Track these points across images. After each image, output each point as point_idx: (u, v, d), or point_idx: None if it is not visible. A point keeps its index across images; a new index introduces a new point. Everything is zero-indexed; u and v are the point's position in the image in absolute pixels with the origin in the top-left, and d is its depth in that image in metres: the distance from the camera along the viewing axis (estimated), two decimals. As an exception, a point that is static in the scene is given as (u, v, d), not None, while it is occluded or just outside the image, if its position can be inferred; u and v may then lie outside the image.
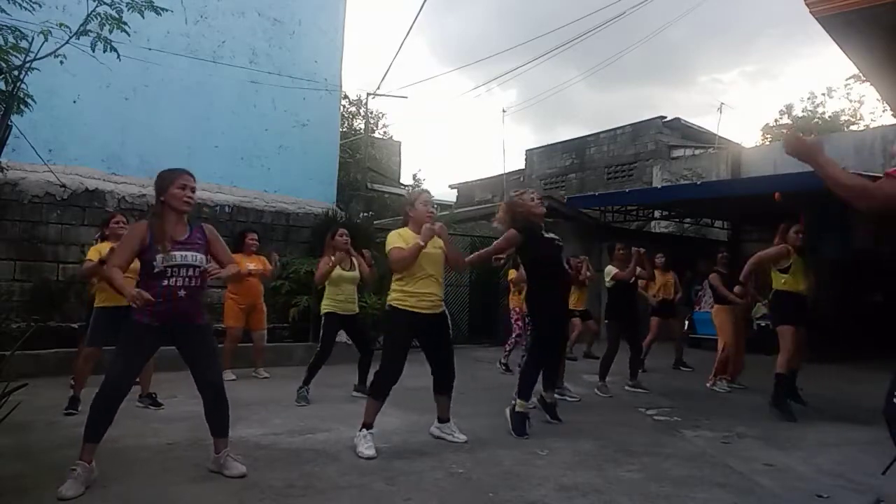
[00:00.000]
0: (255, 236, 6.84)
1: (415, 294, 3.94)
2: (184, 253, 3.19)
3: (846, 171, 2.30)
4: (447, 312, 4.19)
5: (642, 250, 6.68)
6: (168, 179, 3.27)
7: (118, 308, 4.14)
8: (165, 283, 3.14)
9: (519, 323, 7.52)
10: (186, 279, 3.19)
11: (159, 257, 3.13)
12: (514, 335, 7.81)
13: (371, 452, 3.71)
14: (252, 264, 6.60)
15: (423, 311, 3.96)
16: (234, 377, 6.24)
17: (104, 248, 4.78)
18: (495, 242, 4.83)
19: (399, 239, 3.97)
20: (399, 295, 3.97)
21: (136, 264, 3.24)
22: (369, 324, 7.66)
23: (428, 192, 4.26)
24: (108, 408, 3.08)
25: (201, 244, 3.30)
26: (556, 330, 4.72)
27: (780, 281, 5.57)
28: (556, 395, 5.68)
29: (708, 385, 6.73)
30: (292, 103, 10.04)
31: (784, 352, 5.36)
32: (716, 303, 6.99)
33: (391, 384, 3.91)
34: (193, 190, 3.30)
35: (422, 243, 3.86)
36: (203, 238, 3.33)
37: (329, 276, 5.59)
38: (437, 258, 4.04)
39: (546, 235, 4.74)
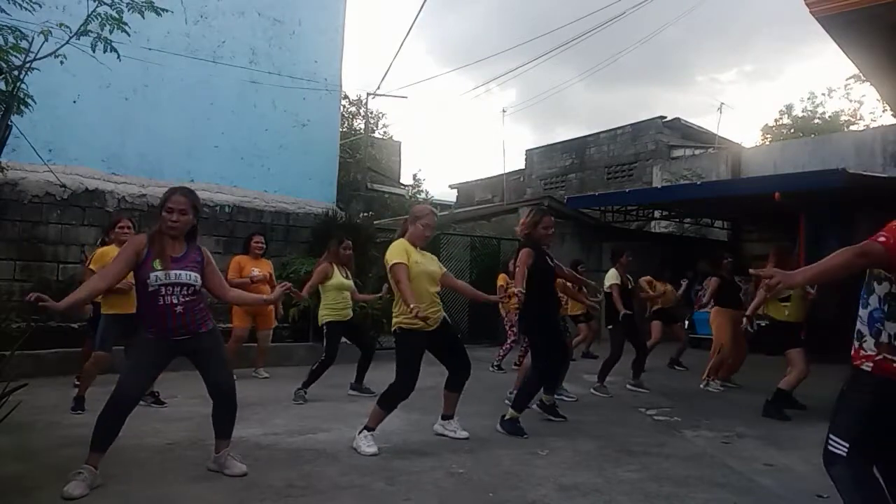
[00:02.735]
0: (262, 239, 6.74)
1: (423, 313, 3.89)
2: (178, 272, 3.16)
3: (827, 259, 2.34)
4: (445, 316, 4.22)
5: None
6: (162, 199, 3.26)
7: (125, 315, 4.26)
8: (161, 301, 3.12)
9: (514, 329, 7.61)
10: (181, 296, 3.16)
11: (153, 276, 3.10)
12: (509, 341, 7.88)
13: (373, 450, 3.78)
14: (256, 269, 6.49)
15: (431, 329, 4.01)
16: (234, 377, 6.21)
17: (112, 252, 4.62)
18: (517, 269, 4.71)
19: (403, 254, 3.95)
20: (408, 317, 3.92)
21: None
22: (370, 324, 7.67)
23: (434, 213, 4.28)
24: (116, 418, 3.09)
25: (197, 265, 3.27)
26: (554, 341, 4.75)
27: (782, 312, 5.54)
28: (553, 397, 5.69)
29: (701, 386, 6.73)
30: (292, 103, 10.03)
31: (797, 372, 5.34)
32: (715, 304, 6.99)
33: (402, 400, 3.97)
34: (183, 212, 3.21)
35: (413, 310, 3.73)
36: (200, 261, 3.30)
37: (314, 289, 5.69)
38: (436, 276, 4.11)
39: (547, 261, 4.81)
